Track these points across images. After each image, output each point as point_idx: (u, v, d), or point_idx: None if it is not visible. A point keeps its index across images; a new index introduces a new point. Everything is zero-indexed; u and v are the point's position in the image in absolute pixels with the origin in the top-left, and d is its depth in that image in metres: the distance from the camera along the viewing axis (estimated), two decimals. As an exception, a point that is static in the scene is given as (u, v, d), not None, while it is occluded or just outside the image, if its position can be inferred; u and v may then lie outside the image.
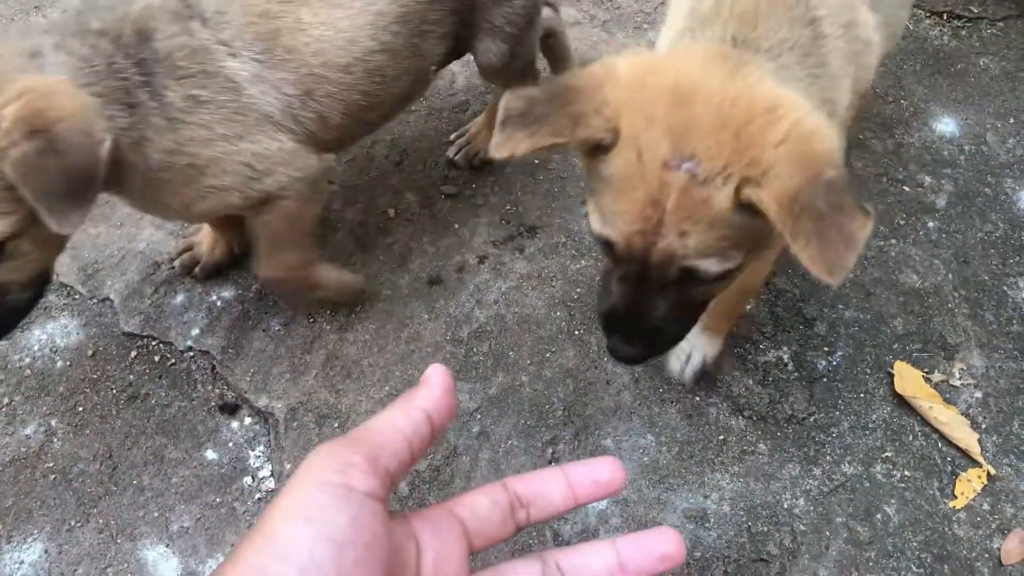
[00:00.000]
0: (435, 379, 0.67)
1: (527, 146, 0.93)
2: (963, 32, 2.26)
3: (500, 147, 0.94)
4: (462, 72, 2.12)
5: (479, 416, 1.59)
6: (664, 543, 0.70)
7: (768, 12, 1.09)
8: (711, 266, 0.94)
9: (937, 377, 1.62)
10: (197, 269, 1.75)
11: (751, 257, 1.00)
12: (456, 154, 1.93)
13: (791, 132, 0.89)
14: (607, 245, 0.98)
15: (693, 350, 1.58)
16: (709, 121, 0.89)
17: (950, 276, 1.77)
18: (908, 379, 1.61)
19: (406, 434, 0.62)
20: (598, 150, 0.95)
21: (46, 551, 1.45)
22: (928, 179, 1.94)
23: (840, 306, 1.73)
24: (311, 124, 1.43)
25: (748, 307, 1.69)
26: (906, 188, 1.92)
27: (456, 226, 1.85)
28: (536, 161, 1.96)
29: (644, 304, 1.01)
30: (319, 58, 1.38)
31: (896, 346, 1.67)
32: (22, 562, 1.44)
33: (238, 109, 1.34)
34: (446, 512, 0.68)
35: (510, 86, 1.84)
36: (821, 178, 0.86)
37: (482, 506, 0.69)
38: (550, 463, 1.53)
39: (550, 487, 0.71)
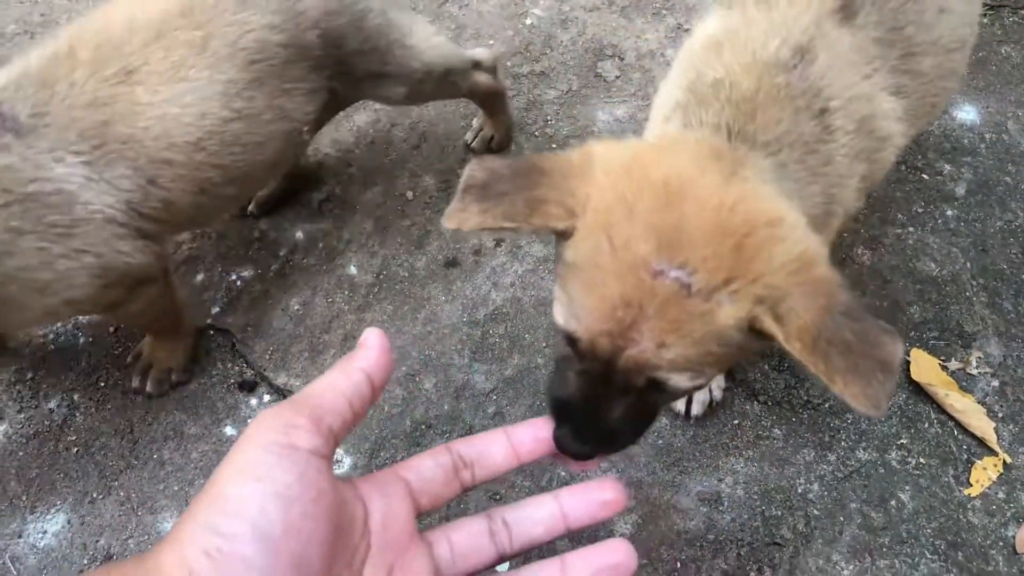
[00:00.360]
0: (372, 341, 0.69)
1: (475, 223, 0.86)
2: (985, 20, 2.24)
3: (450, 218, 0.87)
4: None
5: (495, 397, 1.60)
6: (604, 491, 0.72)
7: (769, 101, 1.02)
8: (682, 382, 0.85)
9: (954, 365, 1.62)
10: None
11: (721, 372, 0.93)
12: (473, 139, 1.94)
13: (798, 259, 0.82)
14: (570, 339, 0.89)
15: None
16: (704, 227, 0.80)
17: (968, 264, 1.76)
18: (924, 366, 1.61)
19: (347, 395, 0.65)
20: (562, 235, 0.88)
21: (69, 522, 1.48)
22: (948, 167, 1.93)
23: (857, 292, 1.73)
24: (157, 212, 1.34)
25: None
26: (925, 176, 1.92)
27: (474, 209, 1.86)
28: (554, 145, 1.97)
29: (602, 405, 0.90)
30: (162, 141, 1.29)
31: (913, 333, 1.67)
32: (45, 532, 1.47)
33: (74, 222, 1.25)
34: (392, 474, 0.71)
35: (448, 97, 1.83)
36: (836, 306, 0.80)
37: (426, 467, 0.72)
38: (565, 444, 1.54)
39: (492, 448, 0.75)
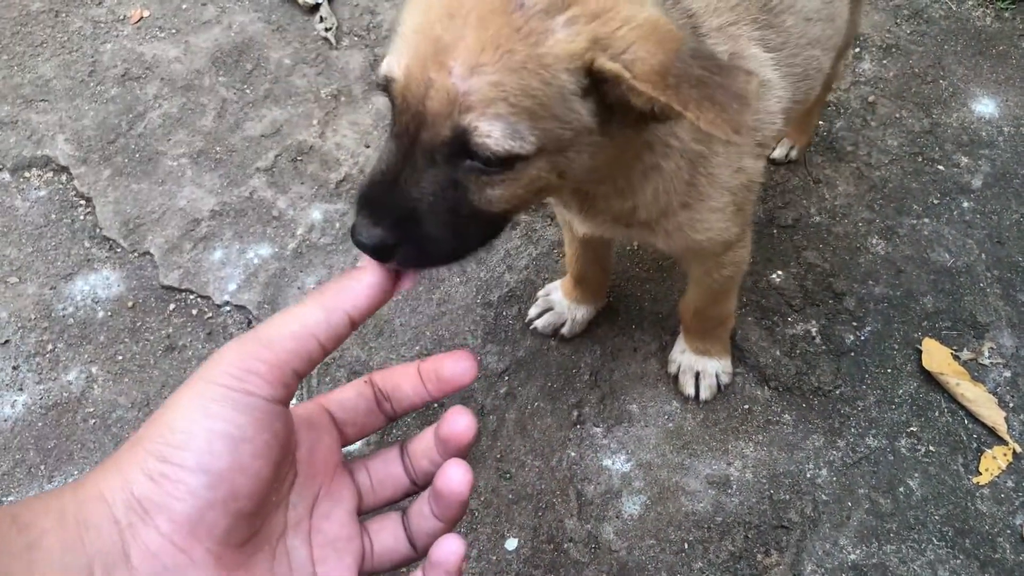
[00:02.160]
0: (367, 279, 0.65)
1: None
2: (1006, 14, 2.23)
3: None
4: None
5: (507, 377, 1.61)
6: (454, 422, 0.69)
7: None
8: (493, 133, 0.73)
9: (966, 355, 1.62)
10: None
11: (546, 161, 0.80)
12: None
13: (646, 22, 0.75)
14: (387, 88, 0.78)
15: (701, 374, 1.57)
16: None
17: (983, 256, 1.76)
18: (936, 356, 1.61)
19: (320, 338, 0.62)
20: None
21: (86, 490, 1.50)
22: (965, 159, 1.92)
23: (870, 282, 1.73)
24: None
25: (733, 331, 1.66)
26: (941, 167, 1.91)
27: (489, 192, 1.87)
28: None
29: (406, 172, 0.77)
30: None
31: (925, 323, 1.67)
32: (63, 500, 1.49)
33: None
34: (316, 405, 0.70)
35: None
36: (685, 50, 0.73)
37: (348, 398, 0.71)
38: (575, 425, 1.55)
39: (404, 382, 0.72)
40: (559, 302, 1.65)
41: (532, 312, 1.68)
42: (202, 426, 0.56)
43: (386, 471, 0.72)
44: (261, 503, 0.60)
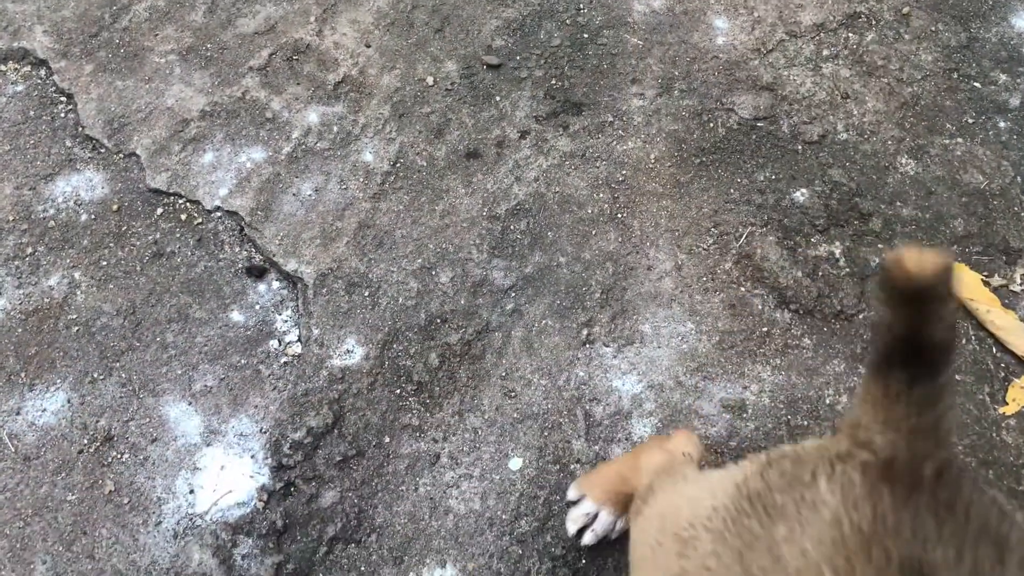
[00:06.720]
0: None
1: None
2: (1053, -77, 2.09)
3: None
4: (510, -62, 1.99)
5: (513, 294, 1.53)
6: None
7: None
8: None
9: (997, 281, 1.54)
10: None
11: None
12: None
13: None
14: None
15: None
16: None
17: (1019, 179, 1.67)
18: (967, 282, 1.53)
19: None
20: None
21: (68, 401, 1.43)
22: (1003, 77, 1.81)
23: (898, 203, 1.63)
24: None
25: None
26: (977, 84, 1.80)
27: (497, 98, 1.75)
28: (585, 35, 1.85)
29: None
30: None
31: (955, 247, 1.59)
32: (44, 410, 1.42)
33: None
34: None
35: None
36: None
37: None
38: (585, 345, 1.47)
39: None
40: None
41: None
42: None
43: None
44: None
